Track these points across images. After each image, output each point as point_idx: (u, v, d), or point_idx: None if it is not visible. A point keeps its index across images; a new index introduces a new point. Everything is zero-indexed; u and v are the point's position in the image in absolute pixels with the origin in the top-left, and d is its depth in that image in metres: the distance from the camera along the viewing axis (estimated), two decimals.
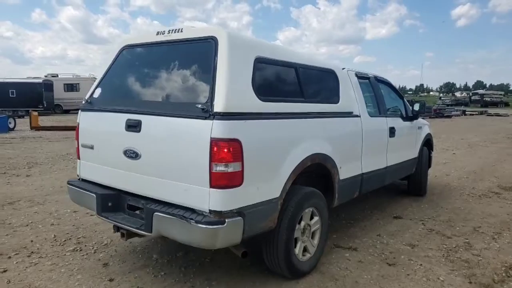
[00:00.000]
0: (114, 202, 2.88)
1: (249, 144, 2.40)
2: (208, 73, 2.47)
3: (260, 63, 2.69)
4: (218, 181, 2.31)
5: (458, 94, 54.82)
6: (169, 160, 2.52)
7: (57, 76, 28.10)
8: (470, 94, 49.36)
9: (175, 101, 2.67)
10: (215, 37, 2.53)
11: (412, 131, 5.17)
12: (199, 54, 2.68)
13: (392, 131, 4.42)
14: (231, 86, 2.39)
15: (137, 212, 2.78)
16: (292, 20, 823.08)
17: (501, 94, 52.78)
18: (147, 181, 2.65)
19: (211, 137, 2.28)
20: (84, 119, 3.17)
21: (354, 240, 3.78)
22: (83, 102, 3.21)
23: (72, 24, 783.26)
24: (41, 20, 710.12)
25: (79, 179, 3.26)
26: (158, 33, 2.92)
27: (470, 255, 3.50)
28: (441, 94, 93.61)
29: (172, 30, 2.84)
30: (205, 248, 2.65)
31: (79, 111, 3.25)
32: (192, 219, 2.31)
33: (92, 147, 3.04)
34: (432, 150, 5.98)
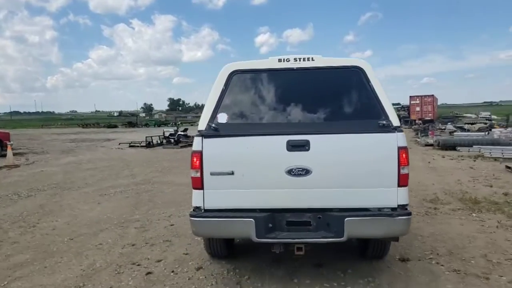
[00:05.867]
0: (272, 222, 2.98)
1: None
2: (367, 96, 3.04)
3: None
4: (403, 181, 2.92)
5: None
6: (350, 170, 2.93)
7: None
8: None
9: (343, 120, 3.05)
10: (360, 67, 3.12)
11: None
12: (344, 80, 3.17)
13: None
14: (391, 105, 3.07)
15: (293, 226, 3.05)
16: (104, 39, 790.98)
17: None
18: (320, 194, 2.95)
19: (398, 146, 2.91)
20: (211, 146, 3.07)
21: None
22: (203, 129, 3.10)
23: None
24: None
25: (199, 210, 3.09)
26: (280, 60, 3.20)
27: None
28: None
29: (300, 58, 3.18)
30: (395, 236, 3.16)
31: (201, 138, 3.08)
32: (392, 214, 2.86)
33: (232, 173, 3.01)
34: None
